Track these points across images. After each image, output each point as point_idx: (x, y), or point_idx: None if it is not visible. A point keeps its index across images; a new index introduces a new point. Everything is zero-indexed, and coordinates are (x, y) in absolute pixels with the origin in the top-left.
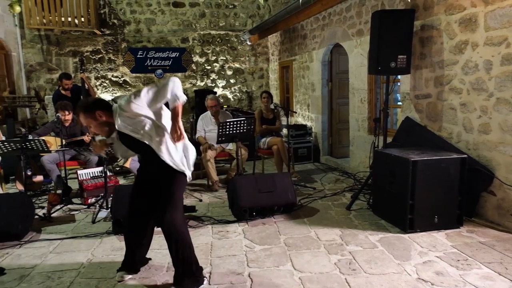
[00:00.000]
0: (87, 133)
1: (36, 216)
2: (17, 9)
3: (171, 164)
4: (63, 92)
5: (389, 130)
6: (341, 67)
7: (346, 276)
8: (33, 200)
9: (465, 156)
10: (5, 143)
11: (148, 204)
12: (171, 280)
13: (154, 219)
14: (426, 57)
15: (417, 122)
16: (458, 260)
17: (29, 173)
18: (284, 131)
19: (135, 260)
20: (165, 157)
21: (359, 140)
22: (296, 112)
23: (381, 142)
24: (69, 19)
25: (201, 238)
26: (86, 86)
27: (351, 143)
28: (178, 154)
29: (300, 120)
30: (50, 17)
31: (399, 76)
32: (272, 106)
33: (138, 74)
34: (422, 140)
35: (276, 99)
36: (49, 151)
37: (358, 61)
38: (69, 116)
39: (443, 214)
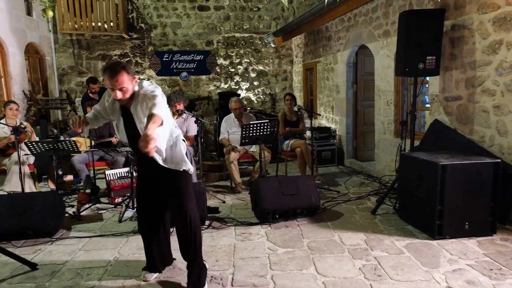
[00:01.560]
0: (115, 135)
1: (67, 214)
2: (50, 13)
3: (167, 166)
4: (91, 95)
5: (417, 133)
6: (367, 69)
7: (371, 282)
8: (64, 199)
9: (499, 160)
10: (39, 144)
11: (155, 201)
12: None
13: (171, 215)
14: (457, 58)
15: (446, 125)
16: (491, 269)
17: (60, 172)
18: (308, 133)
19: (155, 259)
20: (160, 161)
21: (384, 143)
22: (320, 115)
23: (408, 145)
24: (99, 24)
25: (224, 240)
26: None
27: (377, 146)
28: (176, 154)
29: (324, 122)
30: (82, 23)
31: (427, 78)
32: (295, 108)
33: (163, 77)
34: (451, 143)
35: (299, 101)
36: (79, 152)
37: (384, 62)
38: None
39: (474, 220)
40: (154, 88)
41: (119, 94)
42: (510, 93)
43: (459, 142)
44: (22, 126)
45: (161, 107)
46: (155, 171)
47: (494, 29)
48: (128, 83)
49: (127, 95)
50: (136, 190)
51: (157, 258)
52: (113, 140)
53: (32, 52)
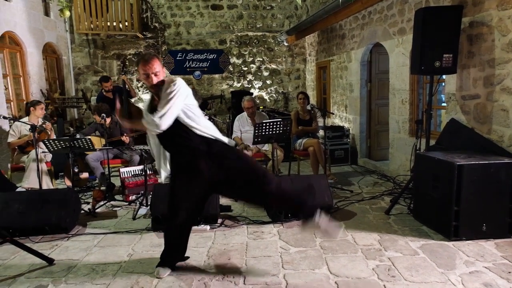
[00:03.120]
0: (125, 134)
1: (82, 211)
2: (67, 13)
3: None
4: (105, 94)
5: (432, 133)
6: (381, 67)
7: (385, 282)
8: (79, 196)
9: None
10: (56, 142)
11: (196, 206)
12: (207, 278)
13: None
14: (475, 56)
15: (463, 124)
16: (510, 272)
17: (76, 170)
18: (321, 132)
19: (173, 257)
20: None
21: (399, 142)
22: (333, 113)
23: (423, 144)
24: (114, 23)
25: (236, 238)
26: (127, 87)
27: (391, 145)
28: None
29: (337, 121)
30: (97, 22)
31: (443, 76)
32: (308, 107)
33: (177, 76)
34: (468, 143)
35: (312, 100)
36: (95, 150)
37: (399, 60)
38: (107, 119)
39: (492, 222)
40: (177, 83)
41: (154, 79)
42: None
43: (476, 141)
44: (43, 125)
45: (170, 111)
46: (205, 165)
47: None
48: (160, 69)
49: (161, 78)
50: (184, 190)
51: (176, 257)
52: (124, 138)
53: (49, 52)
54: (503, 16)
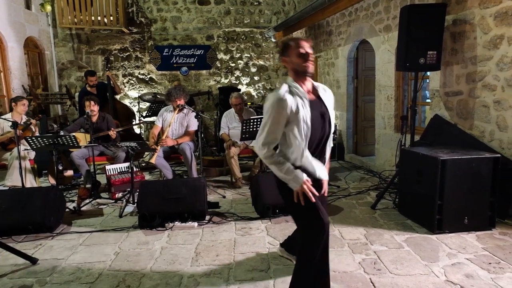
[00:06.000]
0: (112, 128)
1: (67, 209)
2: (48, 8)
3: None
4: (89, 89)
5: (417, 128)
6: (367, 64)
7: (370, 276)
8: (64, 194)
9: (498, 155)
10: (39, 139)
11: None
12: (195, 274)
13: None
14: (458, 53)
15: (446, 120)
16: (490, 263)
17: (60, 167)
18: None
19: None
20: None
21: (385, 138)
22: None
23: (408, 140)
24: (99, 18)
25: (224, 234)
26: (112, 83)
27: (377, 141)
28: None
29: None
30: (81, 17)
31: (428, 73)
32: None
33: (164, 72)
34: (451, 138)
35: None
36: (79, 147)
37: (385, 57)
38: (94, 107)
39: (473, 215)
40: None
41: (312, 66)
42: (511, 88)
43: (459, 137)
44: (28, 122)
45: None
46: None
47: (496, 24)
48: (289, 60)
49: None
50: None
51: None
52: (111, 133)
53: (31, 47)
54: (484, 14)
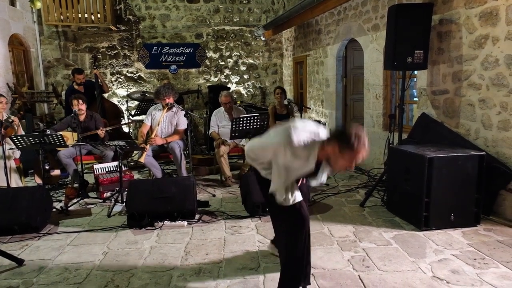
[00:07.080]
0: (101, 127)
1: (54, 209)
2: (38, 4)
3: None
4: (76, 87)
5: (405, 127)
6: (356, 63)
7: (359, 273)
8: (51, 194)
9: (483, 153)
10: (25, 138)
11: None
12: (185, 273)
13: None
14: (444, 52)
15: (433, 119)
16: (475, 259)
17: (47, 167)
18: None
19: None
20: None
21: (373, 136)
22: (309, 108)
23: (396, 138)
24: (86, 15)
25: (214, 233)
26: (100, 82)
27: None
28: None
29: (313, 116)
30: (68, 14)
31: (415, 72)
32: (285, 102)
33: (152, 70)
34: (438, 136)
35: (289, 95)
36: (67, 146)
37: (373, 56)
38: (82, 106)
39: (459, 212)
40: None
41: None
42: (495, 87)
43: (445, 135)
44: (9, 120)
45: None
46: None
47: (480, 24)
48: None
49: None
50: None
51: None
52: (100, 132)
53: (16, 44)
54: (470, 14)
